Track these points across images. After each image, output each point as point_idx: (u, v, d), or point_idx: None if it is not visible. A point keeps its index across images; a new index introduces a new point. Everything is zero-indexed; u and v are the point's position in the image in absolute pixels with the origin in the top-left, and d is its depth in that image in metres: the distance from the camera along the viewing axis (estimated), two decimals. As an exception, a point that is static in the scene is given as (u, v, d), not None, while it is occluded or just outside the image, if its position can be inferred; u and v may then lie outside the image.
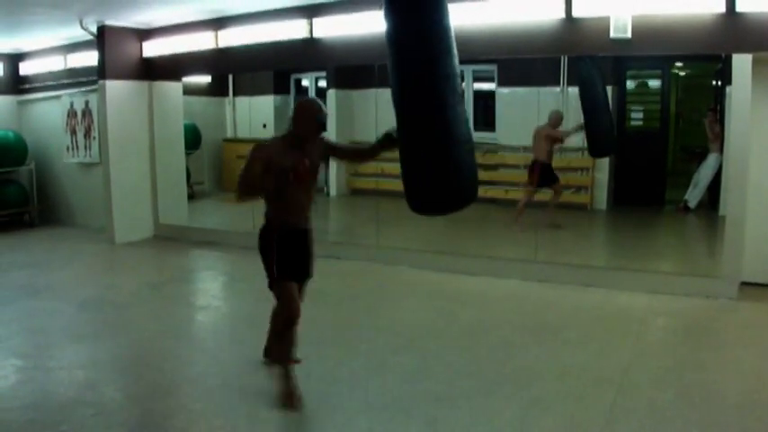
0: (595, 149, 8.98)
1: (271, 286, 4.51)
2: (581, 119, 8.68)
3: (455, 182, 3.96)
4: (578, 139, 9.34)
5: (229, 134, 13.62)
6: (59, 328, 6.17)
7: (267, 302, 6.24)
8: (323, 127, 4.47)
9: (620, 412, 4.23)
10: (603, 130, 8.56)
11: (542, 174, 9.02)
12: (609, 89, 9.29)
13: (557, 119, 8.95)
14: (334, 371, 4.94)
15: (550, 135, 8.93)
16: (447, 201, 4.03)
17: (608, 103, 8.57)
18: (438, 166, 3.89)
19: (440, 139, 3.87)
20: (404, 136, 4.02)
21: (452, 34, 3.99)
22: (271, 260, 4.48)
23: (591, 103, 8.50)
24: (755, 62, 6.28)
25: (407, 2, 3.96)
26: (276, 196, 4.45)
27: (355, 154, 5.06)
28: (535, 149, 9.07)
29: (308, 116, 4.42)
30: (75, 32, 9.57)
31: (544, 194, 9.26)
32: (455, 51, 4.01)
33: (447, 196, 3.99)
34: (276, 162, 4.30)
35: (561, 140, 9.06)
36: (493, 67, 10.59)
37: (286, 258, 4.48)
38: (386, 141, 4.36)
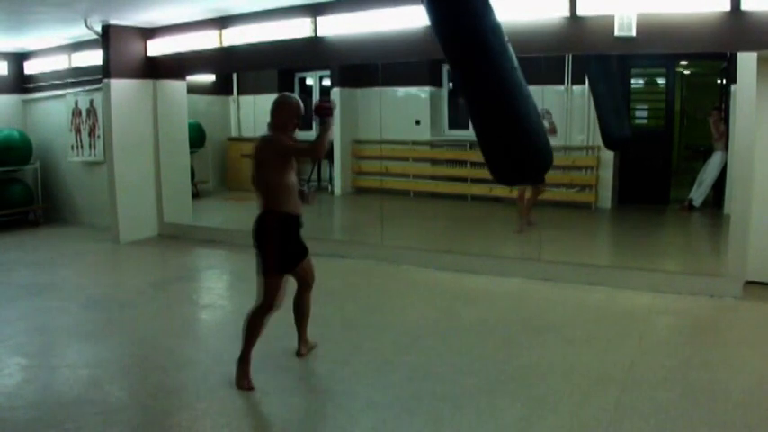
0: (611, 142, 8.96)
1: (264, 273, 4.72)
2: (584, 117, 8.68)
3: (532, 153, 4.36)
4: (582, 138, 9.34)
5: (234, 133, 13.64)
6: (64, 327, 6.19)
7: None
8: (299, 124, 4.83)
9: (624, 411, 4.22)
10: (620, 123, 8.57)
11: None
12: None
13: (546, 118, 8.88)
14: (338, 369, 4.94)
15: None
16: (526, 171, 4.50)
17: (620, 96, 8.58)
18: (516, 142, 4.29)
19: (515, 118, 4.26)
20: (478, 123, 4.39)
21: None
22: (271, 252, 4.69)
23: (604, 98, 8.50)
24: (760, 60, 6.26)
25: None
26: (281, 184, 4.68)
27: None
28: None
29: (289, 111, 4.81)
30: (80, 31, 9.60)
31: (552, 194, 9.25)
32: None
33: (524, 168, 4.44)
34: (293, 145, 4.70)
35: None
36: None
37: (286, 250, 4.73)
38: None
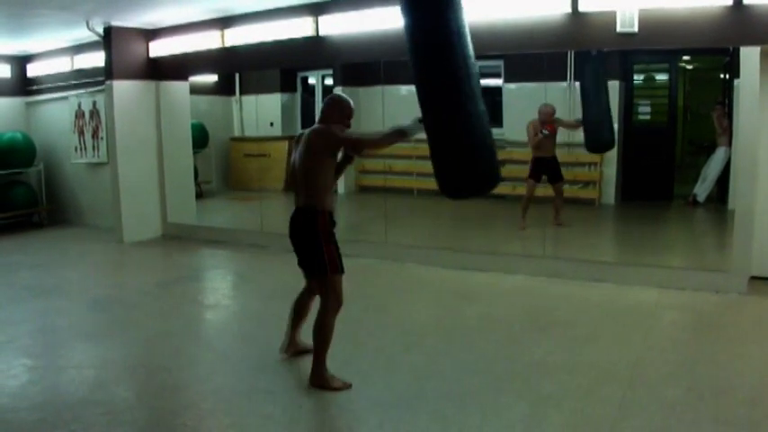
0: (590, 144, 8.94)
1: (328, 275, 4.61)
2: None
3: (478, 169, 4.18)
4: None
5: (237, 133, 13.65)
6: (69, 328, 6.19)
7: (276, 300, 6.27)
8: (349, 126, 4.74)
9: (630, 407, 4.22)
10: (598, 125, 8.53)
11: (536, 167, 8.92)
12: (616, 84, 9.29)
13: (543, 113, 8.82)
14: (342, 368, 4.93)
15: (529, 132, 8.81)
16: (474, 186, 4.28)
17: (606, 98, 8.53)
18: (461, 156, 4.13)
19: (462, 132, 4.08)
20: (431, 129, 4.22)
21: (467, 32, 4.07)
22: (331, 251, 4.60)
23: (586, 98, 8.50)
24: (764, 55, 6.25)
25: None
26: (327, 182, 4.64)
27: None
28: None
29: (342, 111, 4.73)
30: (82, 33, 9.61)
31: (546, 189, 9.22)
32: (471, 50, 4.09)
33: (473, 182, 4.24)
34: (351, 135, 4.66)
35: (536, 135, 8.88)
36: (499, 63, 10.58)
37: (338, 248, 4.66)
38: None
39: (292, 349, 5.15)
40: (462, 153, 4.12)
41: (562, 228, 8.89)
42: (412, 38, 4.07)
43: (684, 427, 3.95)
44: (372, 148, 4.76)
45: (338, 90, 11.67)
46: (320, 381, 4.60)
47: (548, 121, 8.75)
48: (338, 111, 4.70)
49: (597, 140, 8.71)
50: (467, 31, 4.06)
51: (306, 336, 5.03)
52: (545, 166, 8.88)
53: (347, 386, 4.59)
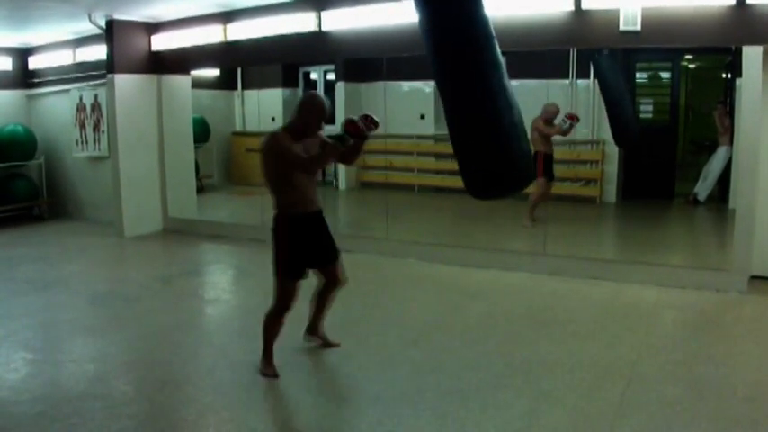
0: (621, 139, 8.94)
1: (275, 276, 4.69)
2: (589, 112, 8.67)
3: (508, 167, 4.11)
4: (587, 132, 9.32)
5: (238, 128, 13.65)
6: (69, 322, 6.20)
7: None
8: (322, 124, 4.68)
9: (629, 405, 4.22)
10: (629, 120, 8.56)
11: (547, 165, 8.90)
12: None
13: (550, 112, 8.79)
14: (343, 364, 4.95)
15: (540, 130, 8.76)
16: (502, 186, 4.26)
17: (628, 94, 8.57)
18: (491, 155, 4.05)
19: (491, 127, 4.00)
20: (455, 126, 4.15)
21: (491, 25, 4.05)
22: (279, 255, 4.65)
23: (613, 95, 8.50)
24: (766, 54, 6.25)
25: None
26: (286, 185, 4.59)
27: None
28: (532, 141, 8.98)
29: (313, 110, 4.60)
30: (84, 26, 9.59)
31: (557, 188, 9.22)
32: (496, 42, 4.07)
33: (501, 182, 4.20)
34: (290, 152, 4.48)
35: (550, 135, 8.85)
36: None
37: (297, 252, 4.65)
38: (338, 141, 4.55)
39: (318, 340, 5.22)
40: (494, 152, 4.07)
41: (559, 225, 8.88)
42: (436, 34, 4.04)
43: (684, 425, 3.96)
44: (305, 169, 4.66)
45: (340, 86, 11.68)
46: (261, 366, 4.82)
47: (551, 119, 8.72)
48: (309, 112, 4.62)
49: (626, 135, 8.73)
50: (490, 23, 4.05)
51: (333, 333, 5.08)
52: (551, 163, 8.89)
53: (274, 376, 4.75)
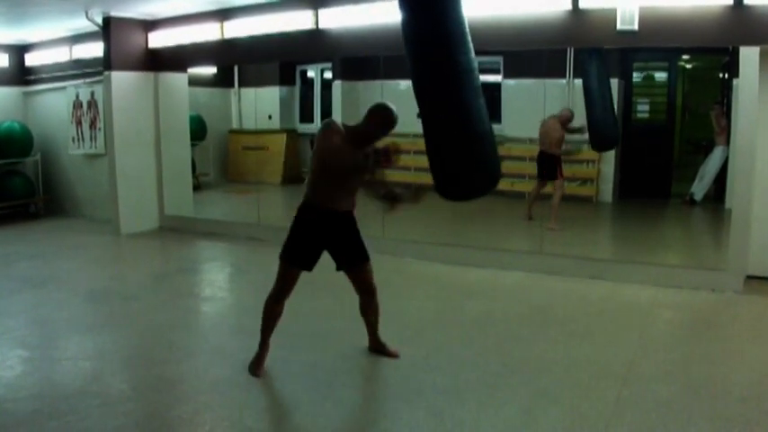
0: (596, 143, 8.98)
1: (281, 257, 4.69)
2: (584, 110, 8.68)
3: (476, 172, 4.25)
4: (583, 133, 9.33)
5: (235, 125, 13.63)
6: (65, 319, 6.19)
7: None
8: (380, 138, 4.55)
9: (625, 404, 4.22)
10: (604, 124, 8.56)
11: (549, 164, 8.94)
12: (615, 81, 9.29)
13: (565, 117, 8.84)
14: (339, 362, 4.95)
15: (555, 131, 8.82)
16: (470, 189, 4.37)
17: (610, 96, 8.56)
18: (460, 159, 4.17)
19: (460, 134, 4.08)
20: (427, 129, 4.26)
21: (467, 29, 4.06)
22: (288, 239, 4.65)
23: (590, 97, 8.52)
24: (763, 55, 6.25)
25: None
26: (326, 182, 4.55)
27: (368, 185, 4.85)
28: (542, 141, 9.01)
29: (383, 124, 4.46)
30: (81, 23, 9.58)
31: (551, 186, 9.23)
32: (471, 46, 4.08)
33: (469, 185, 4.31)
34: (342, 152, 4.42)
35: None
36: (499, 59, 10.57)
37: (306, 243, 4.63)
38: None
39: (381, 347, 5.14)
40: (463, 152, 4.10)
41: (559, 224, 8.90)
42: (411, 33, 4.06)
43: (680, 425, 3.96)
44: (364, 186, 4.63)
45: (337, 84, 11.66)
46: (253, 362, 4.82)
47: (566, 124, 8.79)
48: (380, 121, 4.47)
49: (602, 139, 8.75)
50: (466, 27, 4.06)
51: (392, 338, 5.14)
52: (554, 163, 8.95)
53: (256, 375, 4.72)
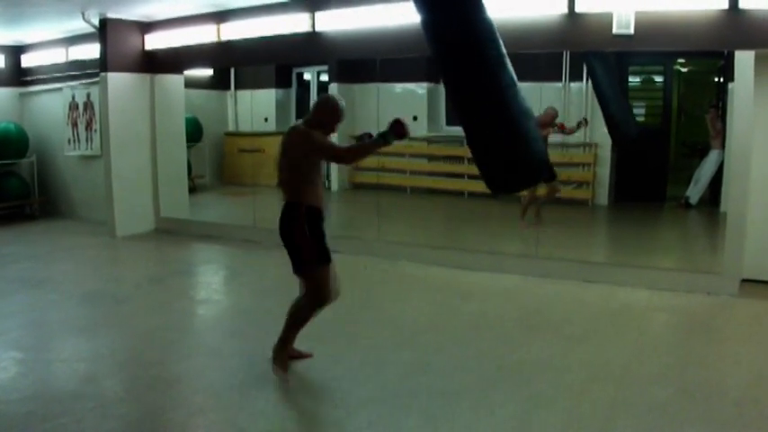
0: (620, 138, 8.99)
1: (303, 271, 4.63)
2: (582, 113, 8.68)
3: (524, 161, 4.15)
4: (580, 135, 9.34)
5: (231, 128, 13.64)
6: (60, 321, 6.18)
7: (268, 296, 6.27)
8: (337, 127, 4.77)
9: (620, 408, 4.23)
10: (627, 118, 8.61)
11: None
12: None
13: (549, 115, 8.82)
14: (334, 365, 4.94)
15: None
16: (521, 178, 4.29)
17: (623, 93, 8.63)
18: (508, 148, 4.10)
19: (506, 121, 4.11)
20: (469, 125, 4.18)
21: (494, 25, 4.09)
22: (307, 243, 4.56)
23: (609, 94, 8.54)
24: (758, 59, 6.26)
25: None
26: (308, 182, 4.60)
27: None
28: None
29: (330, 112, 4.69)
30: (78, 25, 9.56)
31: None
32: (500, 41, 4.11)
33: (519, 175, 4.22)
34: (326, 142, 4.62)
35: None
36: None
37: (322, 241, 4.62)
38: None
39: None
40: (511, 145, 4.12)
41: (551, 227, 8.90)
42: (442, 34, 4.05)
43: (675, 428, 3.97)
44: (352, 160, 4.84)
45: (333, 87, 11.67)
46: (277, 357, 4.74)
47: (548, 123, 8.76)
48: (328, 113, 4.70)
49: (625, 134, 8.78)
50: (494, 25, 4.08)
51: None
52: None
53: (285, 379, 4.67)
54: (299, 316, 4.70)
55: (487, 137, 4.13)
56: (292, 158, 4.59)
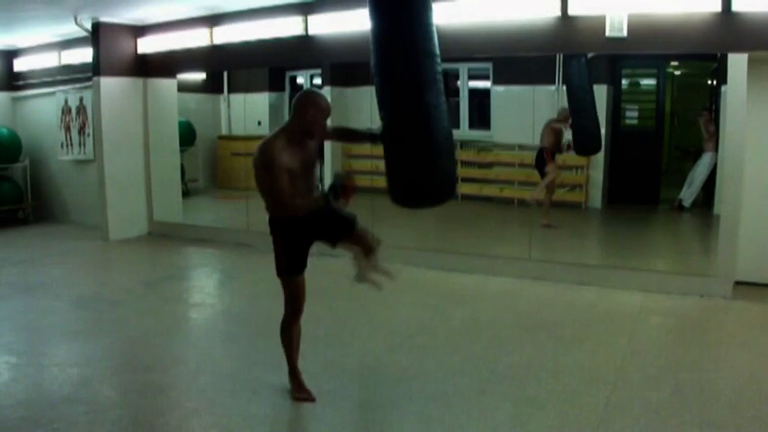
0: (581, 148, 9.05)
1: (279, 275, 4.42)
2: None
3: (431, 182, 4.19)
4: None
5: (224, 131, 13.59)
6: (53, 326, 6.16)
7: (261, 300, 6.26)
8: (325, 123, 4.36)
9: (614, 410, 4.23)
10: (587, 129, 8.63)
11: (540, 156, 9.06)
12: (604, 88, 9.32)
13: (563, 114, 8.92)
14: (328, 369, 4.93)
15: (554, 128, 8.98)
16: (422, 197, 4.32)
17: (593, 102, 8.62)
18: (416, 166, 4.11)
19: (419, 140, 4.08)
20: (387, 132, 4.25)
21: (435, 34, 4.07)
22: (277, 256, 4.39)
23: (575, 103, 8.58)
24: (751, 61, 6.28)
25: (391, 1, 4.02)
26: (273, 189, 4.24)
27: (347, 135, 5.06)
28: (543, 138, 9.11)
29: (310, 110, 4.18)
30: (70, 29, 9.56)
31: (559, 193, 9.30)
32: (437, 52, 4.09)
33: (423, 194, 4.26)
34: (287, 161, 4.12)
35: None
36: (488, 66, 10.58)
37: (293, 251, 4.37)
38: (373, 138, 4.49)
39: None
40: (422, 160, 4.11)
41: (548, 230, 8.91)
42: (375, 37, 4.07)
43: (668, 430, 3.98)
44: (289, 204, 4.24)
45: (326, 90, 11.65)
46: (292, 387, 4.56)
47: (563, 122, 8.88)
48: (312, 110, 4.19)
49: (585, 144, 8.82)
50: (433, 30, 4.06)
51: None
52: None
53: (310, 399, 4.46)
54: (283, 334, 4.54)
55: (404, 154, 4.12)
56: (259, 176, 4.25)
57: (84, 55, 10.07)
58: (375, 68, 4.13)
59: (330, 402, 4.45)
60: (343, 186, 4.22)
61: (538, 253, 7.58)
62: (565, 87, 8.85)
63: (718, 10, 6.26)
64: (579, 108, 8.65)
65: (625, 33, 6.63)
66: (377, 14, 4.05)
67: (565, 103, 9.00)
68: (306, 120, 4.17)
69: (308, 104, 4.20)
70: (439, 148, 4.09)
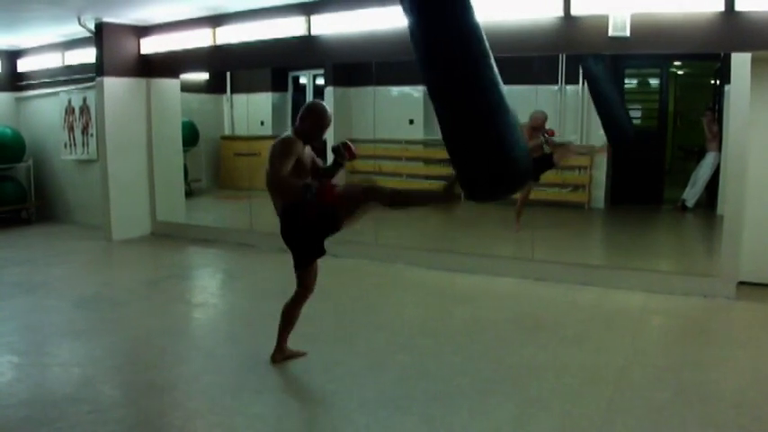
0: (618, 140, 9.02)
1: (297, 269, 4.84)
2: (578, 116, 8.67)
3: (507, 168, 4.18)
4: (576, 138, 9.33)
5: (227, 131, 13.61)
6: (56, 325, 6.16)
7: (264, 300, 6.25)
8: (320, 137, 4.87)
9: (617, 411, 4.22)
10: (624, 121, 8.66)
11: None
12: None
13: (537, 119, 8.78)
14: (331, 369, 4.93)
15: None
16: (502, 186, 4.30)
17: (621, 95, 8.66)
18: (489, 155, 4.12)
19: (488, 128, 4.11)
20: (450, 130, 4.20)
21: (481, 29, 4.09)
22: (298, 247, 4.81)
23: (607, 97, 8.57)
24: (754, 61, 6.27)
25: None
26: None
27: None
28: None
29: (320, 122, 4.77)
30: (73, 29, 9.57)
31: (545, 193, 9.23)
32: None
33: (501, 182, 4.24)
34: (301, 152, 4.69)
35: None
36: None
37: (312, 240, 4.82)
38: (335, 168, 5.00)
39: (280, 356, 5.06)
40: (493, 153, 4.11)
41: (547, 230, 8.88)
42: (425, 37, 4.05)
43: (671, 430, 3.97)
44: (277, 188, 4.81)
45: (329, 90, 11.66)
46: (281, 356, 4.99)
47: (542, 128, 8.71)
48: (306, 121, 4.77)
49: (626, 137, 8.83)
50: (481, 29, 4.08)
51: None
52: None
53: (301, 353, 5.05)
54: (288, 311, 4.92)
55: (472, 144, 4.12)
56: (282, 165, 4.64)
57: (88, 55, 10.09)
58: (426, 67, 4.11)
59: (333, 402, 4.46)
60: (346, 146, 4.94)
61: (541, 253, 7.57)
62: (587, 85, 8.84)
63: (721, 9, 6.25)
64: (608, 102, 8.66)
65: (628, 33, 6.62)
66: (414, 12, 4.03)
67: (567, 103, 8.99)
68: (307, 127, 4.76)
69: (311, 115, 4.78)
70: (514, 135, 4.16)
